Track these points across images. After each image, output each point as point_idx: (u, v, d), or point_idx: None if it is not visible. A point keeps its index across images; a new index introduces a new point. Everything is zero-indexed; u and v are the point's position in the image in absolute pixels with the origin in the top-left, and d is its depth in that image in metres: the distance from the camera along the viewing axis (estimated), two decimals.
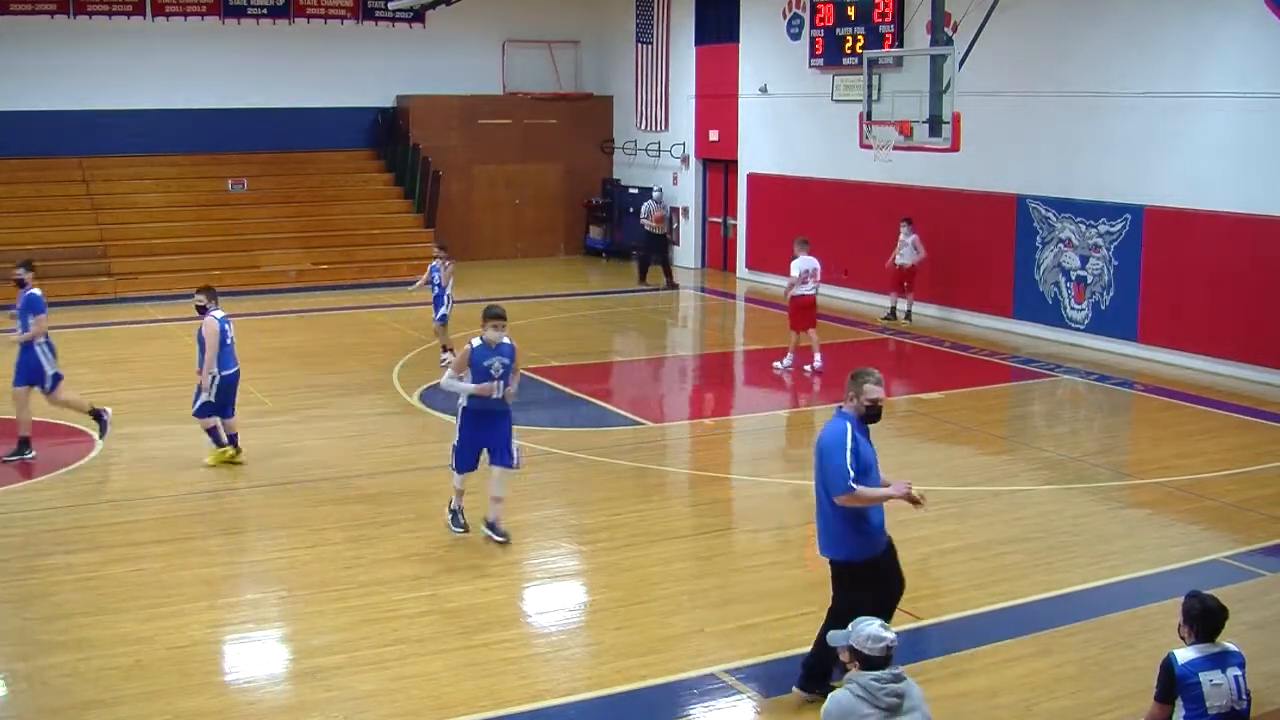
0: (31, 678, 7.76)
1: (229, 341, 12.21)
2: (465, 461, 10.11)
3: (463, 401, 9.97)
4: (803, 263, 16.49)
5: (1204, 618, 5.94)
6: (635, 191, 27.98)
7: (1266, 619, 8.55)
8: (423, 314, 21.34)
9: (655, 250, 24.76)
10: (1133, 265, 17.55)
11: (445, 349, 16.53)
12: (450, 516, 10.39)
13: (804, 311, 16.61)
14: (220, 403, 12.21)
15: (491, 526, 10.14)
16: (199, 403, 12.14)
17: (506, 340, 9.90)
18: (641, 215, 25.13)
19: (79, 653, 8.05)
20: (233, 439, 12.41)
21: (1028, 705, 7.35)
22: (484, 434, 9.98)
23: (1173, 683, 5.86)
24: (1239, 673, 5.92)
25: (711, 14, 25.92)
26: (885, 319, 20.44)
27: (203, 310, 12.32)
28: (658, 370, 18.27)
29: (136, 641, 8.23)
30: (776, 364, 16.90)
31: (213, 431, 12.28)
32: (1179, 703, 5.87)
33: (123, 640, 8.25)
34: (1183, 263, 16.90)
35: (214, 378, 12.03)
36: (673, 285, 24.38)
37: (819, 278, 16.69)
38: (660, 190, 25.85)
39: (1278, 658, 7.95)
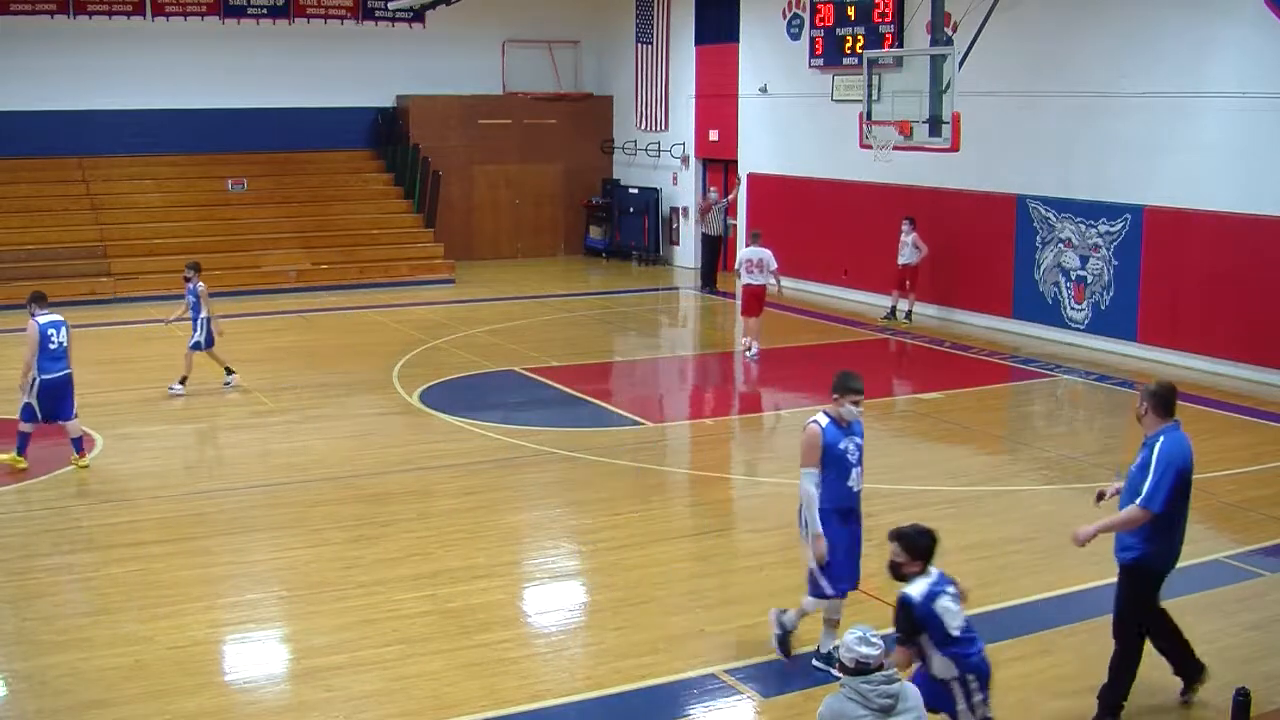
0: (31, 678, 7.76)
1: (52, 345, 12.06)
2: (846, 578, 7.82)
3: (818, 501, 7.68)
4: (743, 253, 17.75)
5: (928, 545, 6.16)
6: (635, 191, 28.00)
7: (1266, 619, 8.55)
8: (423, 314, 21.42)
9: (707, 251, 24.39)
10: (1132, 265, 17.55)
11: (184, 378, 15.39)
12: (780, 635, 7.94)
13: (745, 300, 17.62)
14: (51, 406, 12.09)
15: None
16: (21, 404, 12.07)
17: (860, 418, 7.92)
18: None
19: (79, 653, 8.05)
20: (77, 443, 12.26)
21: (1028, 705, 7.35)
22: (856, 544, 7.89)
23: (913, 619, 6.04)
24: (954, 590, 6.19)
25: (711, 14, 25.92)
26: (885, 319, 20.45)
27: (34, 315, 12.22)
28: (658, 370, 18.27)
29: (136, 641, 8.24)
30: (747, 353, 17.71)
31: (23, 436, 12.09)
32: (927, 640, 6.08)
33: (123, 640, 8.26)
34: (1182, 263, 16.90)
35: (34, 381, 11.97)
36: (705, 286, 24.21)
37: (766, 268, 17.44)
38: (714, 190, 25.16)
39: (1277, 658, 7.95)
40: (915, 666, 6.12)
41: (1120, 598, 7.15)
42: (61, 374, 12.17)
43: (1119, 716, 7.14)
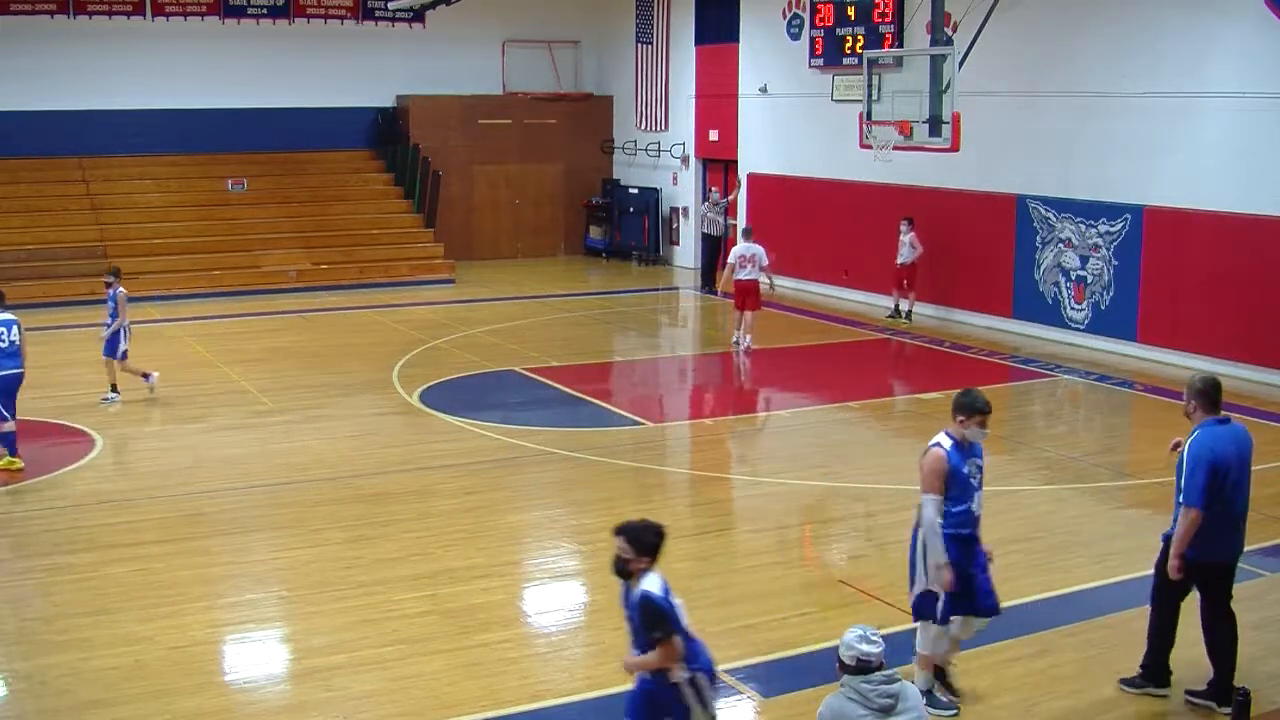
0: (31, 678, 7.76)
1: (3, 344, 12.13)
2: (961, 603, 7.22)
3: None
4: (736, 249, 18.25)
5: (655, 541, 5.87)
6: (635, 191, 28.00)
7: (1267, 619, 8.56)
8: (423, 314, 21.42)
9: (707, 252, 24.29)
10: (1132, 265, 17.55)
11: (115, 387, 15.16)
12: (927, 697, 7.06)
13: (740, 294, 18.15)
14: (7, 403, 12.12)
15: (944, 678, 7.43)
16: None
17: (984, 438, 7.49)
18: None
19: (79, 653, 8.06)
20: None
21: (1028, 705, 7.35)
22: (978, 566, 7.33)
23: (664, 613, 5.71)
24: None
25: (711, 14, 25.92)
26: (890, 318, 20.47)
27: None
28: (658, 370, 18.27)
29: (136, 641, 8.24)
30: (736, 345, 18.26)
31: (6, 438, 12.10)
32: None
33: (123, 640, 8.26)
34: (1182, 263, 16.90)
35: None
36: (705, 286, 24.06)
37: (757, 264, 17.96)
38: (715, 190, 24.93)
39: (1277, 658, 7.95)
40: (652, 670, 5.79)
41: (1157, 567, 7.41)
42: (15, 371, 12.25)
43: (1160, 680, 7.36)
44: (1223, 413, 7.33)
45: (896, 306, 20.55)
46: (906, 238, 20.02)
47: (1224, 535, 7.17)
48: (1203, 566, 7.18)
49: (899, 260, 20.16)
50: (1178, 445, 7.49)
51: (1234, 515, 7.17)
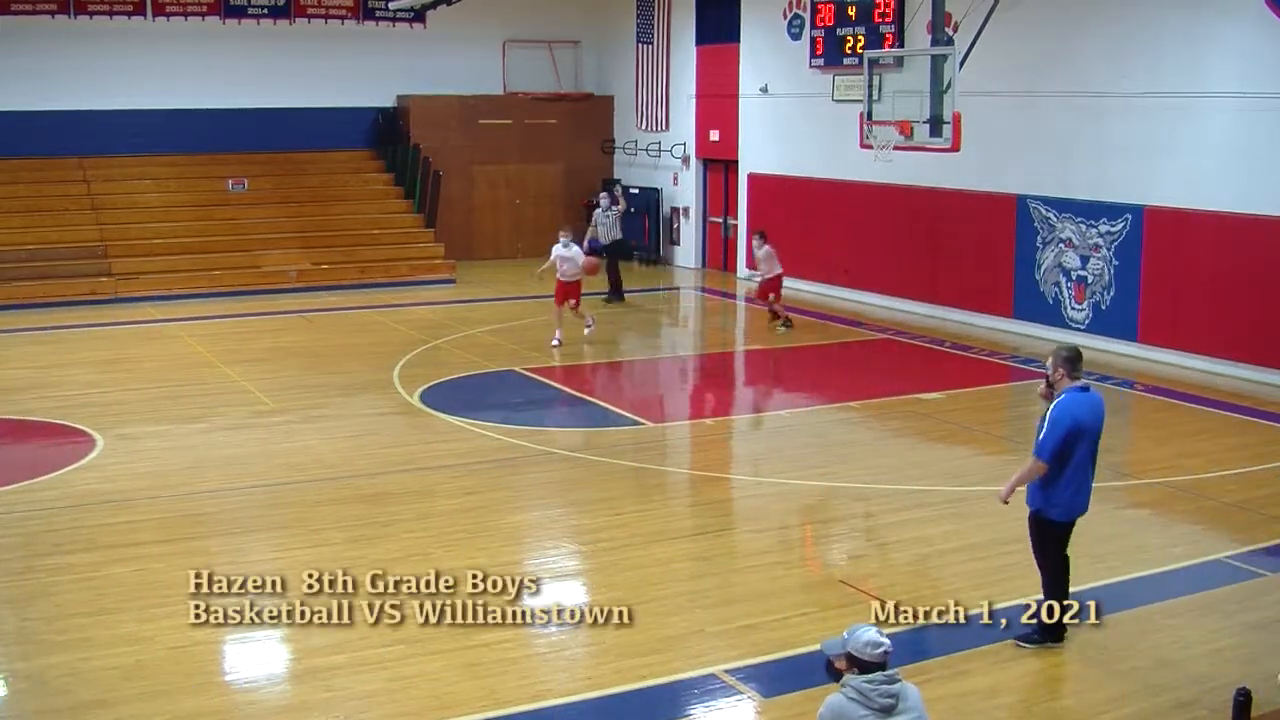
0: (31, 678, 7.76)
1: None
2: None
3: None
4: (557, 249, 18.65)
5: None
6: (636, 191, 28.00)
7: (1267, 619, 8.54)
8: (423, 314, 21.41)
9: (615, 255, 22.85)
10: (1133, 265, 17.55)
11: None
12: None
13: (560, 293, 18.54)
14: None
15: None
16: None
17: None
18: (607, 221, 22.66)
19: (79, 653, 8.05)
20: None
21: (1028, 705, 7.35)
22: None
23: None
24: None
25: (712, 14, 25.92)
26: (783, 325, 19.44)
27: None
28: (658, 370, 18.27)
29: (136, 641, 8.23)
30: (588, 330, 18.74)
31: None
32: None
33: (123, 640, 8.25)
34: (1183, 263, 16.90)
35: None
36: (617, 296, 22.58)
37: (574, 264, 18.31)
38: (604, 196, 23.45)
39: (1277, 658, 7.94)
40: None
41: (1030, 538, 8.12)
42: None
43: (1057, 635, 7.94)
44: (1083, 380, 7.83)
45: (780, 318, 19.47)
46: (760, 252, 19.29)
47: (1082, 496, 7.82)
48: (1063, 525, 7.86)
49: (761, 275, 19.24)
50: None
51: (1090, 478, 7.83)
